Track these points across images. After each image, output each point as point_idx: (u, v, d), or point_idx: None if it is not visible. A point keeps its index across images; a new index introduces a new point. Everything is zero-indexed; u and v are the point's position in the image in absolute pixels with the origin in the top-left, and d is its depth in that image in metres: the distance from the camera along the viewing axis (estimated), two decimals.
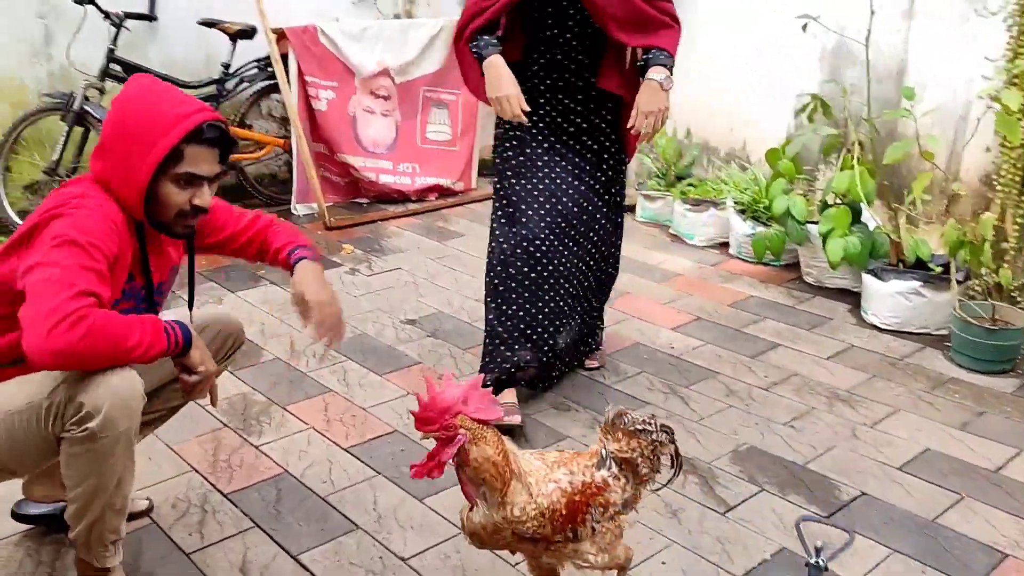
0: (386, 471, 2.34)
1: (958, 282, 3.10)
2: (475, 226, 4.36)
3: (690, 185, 4.33)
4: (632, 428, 1.69)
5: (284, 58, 4.31)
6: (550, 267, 2.58)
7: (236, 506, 2.19)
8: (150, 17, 4.20)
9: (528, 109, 2.44)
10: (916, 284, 3.17)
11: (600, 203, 2.66)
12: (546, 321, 2.59)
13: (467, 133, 4.92)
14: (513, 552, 1.69)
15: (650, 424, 1.69)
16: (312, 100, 4.42)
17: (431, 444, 1.60)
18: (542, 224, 2.54)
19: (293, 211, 4.52)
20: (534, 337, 2.58)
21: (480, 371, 2.64)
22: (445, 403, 1.56)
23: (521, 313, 2.57)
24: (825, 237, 3.38)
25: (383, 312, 3.39)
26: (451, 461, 1.55)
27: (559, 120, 2.56)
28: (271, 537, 2.08)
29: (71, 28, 3.99)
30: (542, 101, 2.55)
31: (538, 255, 2.54)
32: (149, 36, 4.29)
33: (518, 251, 2.54)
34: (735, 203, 3.99)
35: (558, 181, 2.57)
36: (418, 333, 3.22)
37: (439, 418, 1.55)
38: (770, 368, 2.95)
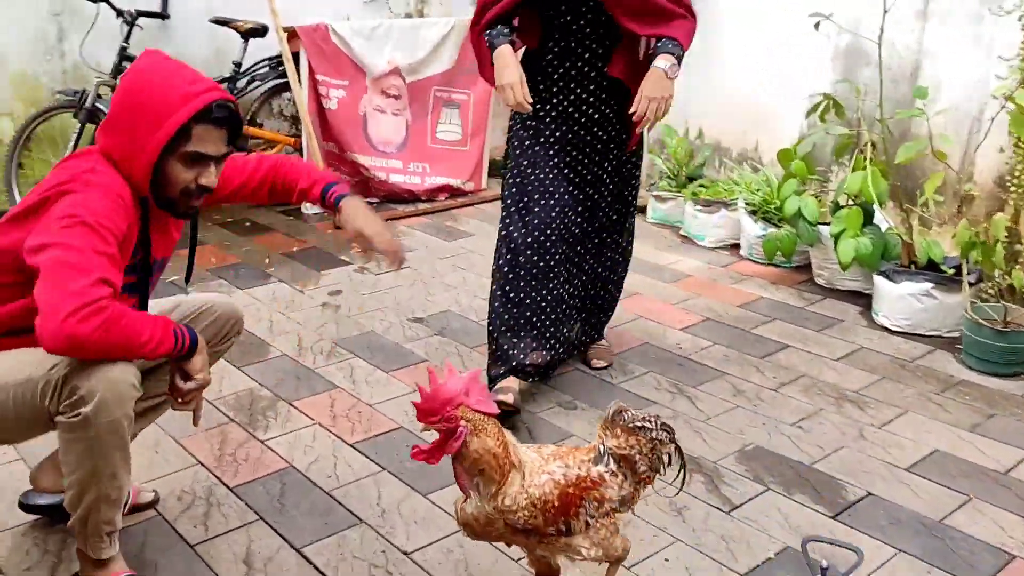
0: (391, 466, 2.34)
1: (970, 284, 3.08)
2: (484, 226, 4.35)
3: (701, 186, 4.31)
4: (631, 425, 1.67)
5: (295, 57, 4.33)
6: (558, 255, 2.61)
7: (241, 499, 2.20)
8: (162, 15, 4.23)
9: (531, 101, 2.47)
10: (928, 286, 3.14)
11: (607, 192, 2.68)
12: (549, 309, 2.63)
13: (478, 133, 4.92)
14: (509, 544, 1.68)
15: (650, 422, 1.68)
16: (323, 99, 4.43)
17: (432, 437, 1.61)
18: (552, 214, 2.58)
19: (304, 210, 4.54)
20: (539, 326, 2.61)
21: (488, 361, 2.67)
22: (447, 395, 1.56)
23: (528, 301, 2.60)
24: (836, 238, 3.36)
25: (391, 310, 3.39)
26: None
27: (571, 110, 2.58)
28: (275, 530, 2.08)
29: (84, 26, 4.02)
30: (555, 90, 2.57)
31: (548, 244, 2.58)
32: (161, 34, 4.32)
33: (528, 239, 2.57)
34: (746, 204, 3.97)
35: (567, 171, 2.60)
36: (425, 331, 3.22)
37: (441, 409, 1.55)
38: (778, 369, 2.93)
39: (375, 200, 4.70)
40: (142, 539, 2.04)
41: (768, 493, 2.23)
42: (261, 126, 4.53)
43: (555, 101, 2.57)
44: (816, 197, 3.71)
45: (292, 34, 4.32)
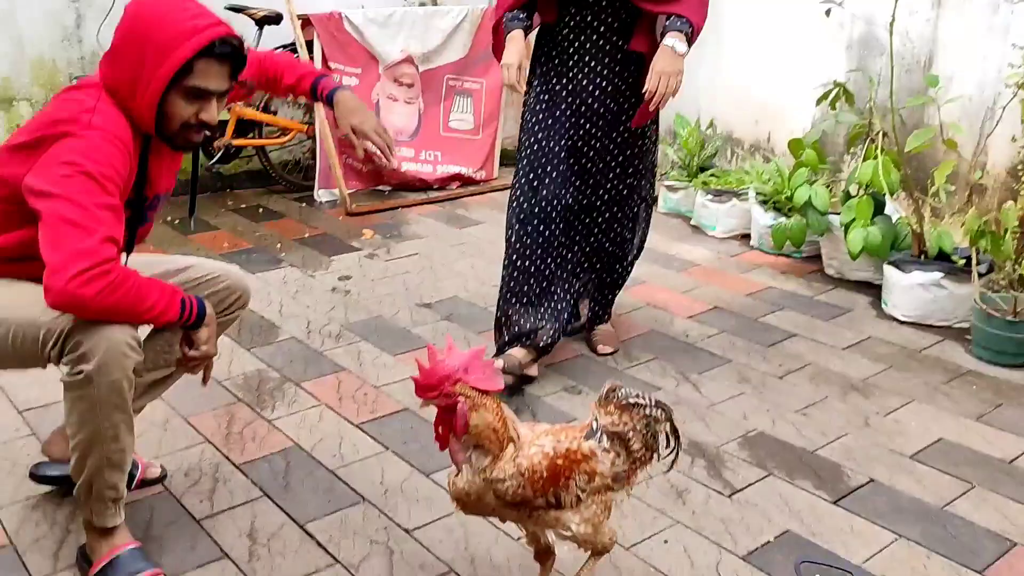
0: (395, 447, 2.37)
1: (981, 274, 3.06)
2: (495, 214, 4.36)
3: (712, 176, 4.30)
4: (625, 402, 1.66)
5: (309, 44, 4.35)
6: (566, 226, 2.69)
7: (246, 476, 2.23)
8: None
9: (523, 88, 2.59)
10: (938, 276, 3.12)
11: (615, 165, 2.71)
12: (556, 278, 2.72)
13: (490, 122, 4.93)
14: (503, 520, 1.69)
15: (643, 399, 1.67)
16: None
17: (431, 413, 1.62)
18: (562, 185, 2.64)
19: (316, 197, 4.57)
20: (545, 295, 2.71)
21: (494, 329, 2.76)
22: (445, 370, 1.57)
23: (533, 270, 2.68)
24: (846, 228, 3.34)
25: (399, 296, 3.41)
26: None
27: (584, 83, 2.62)
28: (279, 506, 2.11)
29: (101, 13, 4.07)
30: (570, 64, 2.62)
31: (554, 215, 2.66)
32: None
33: (536, 210, 2.65)
34: (757, 194, 3.96)
35: (579, 143, 2.65)
36: (433, 316, 3.24)
37: (439, 385, 1.56)
38: (785, 357, 2.92)
39: (387, 188, 4.72)
40: (149, 513, 2.07)
41: (770, 478, 2.24)
42: (275, 113, 4.55)
43: (570, 75, 2.62)
44: (827, 187, 3.69)
45: (306, 22, 4.34)
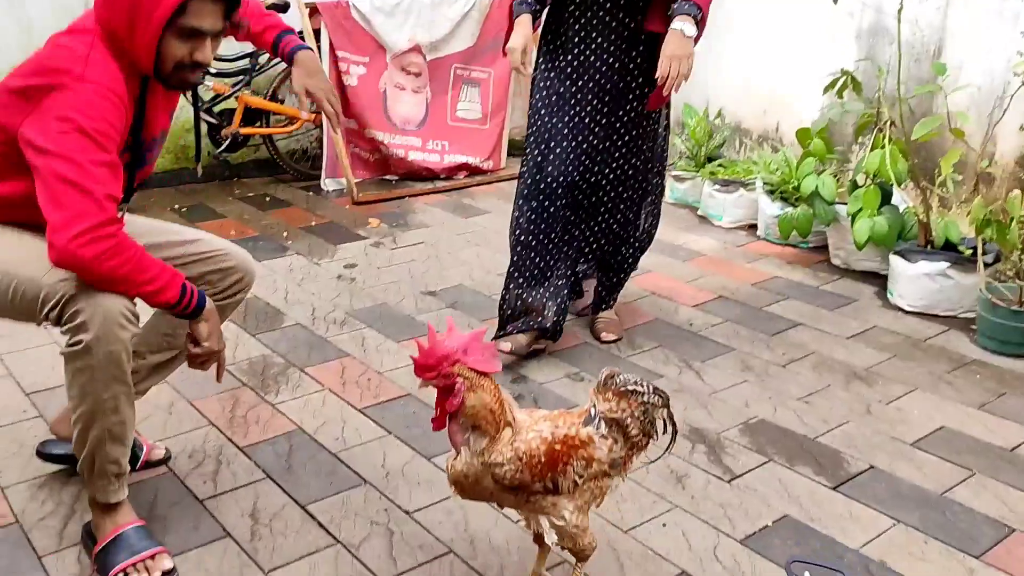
0: (397, 431, 2.38)
1: (988, 264, 3.04)
2: (501, 204, 4.37)
3: (720, 166, 4.29)
4: (623, 389, 1.66)
5: (316, 33, 4.36)
6: (571, 202, 2.74)
7: (250, 458, 2.25)
8: None
9: (528, 72, 2.64)
10: (944, 266, 3.11)
11: (621, 144, 2.73)
12: (560, 253, 2.77)
13: (498, 112, 4.94)
14: (500, 505, 1.70)
15: (641, 386, 1.67)
16: (343, 75, 4.46)
17: (433, 398, 1.63)
18: (567, 161, 2.68)
19: (323, 186, 4.58)
20: (548, 270, 2.77)
21: (499, 304, 2.83)
22: (444, 351, 1.58)
23: (536, 245, 2.73)
24: (853, 217, 3.34)
25: (404, 284, 3.43)
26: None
27: (592, 59, 2.64)
28: (281, 488, 2.13)
29: None
30: (576, 40, 2.64)
31: (560, 191, 2.69)
32: None
33: (542, 186, 2.70)
34: (764, 184, 3.95)
35: (586, 119, 2.68)
36: (437, 304, 3.25)
37: (438, 366, 1.57)
38: (788, 346, 2.92)
39: (394, 177, 4.73)
40: (153, 494, 2.09)
41: (770, 464, 2.24)
42: (282, 102, 4.57)
43: (575, 52, 2.64)
44: (835, 177, 3.68)
45: (313, 10, 4.35)
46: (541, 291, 2.79)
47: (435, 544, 1.93)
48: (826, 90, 3.50)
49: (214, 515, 2.02)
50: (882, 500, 2.08)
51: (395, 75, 4.64)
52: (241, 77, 4.39)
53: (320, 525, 1.99)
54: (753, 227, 4.05)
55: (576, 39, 2.64)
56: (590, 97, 2.66)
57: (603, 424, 1.66)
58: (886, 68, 3.52)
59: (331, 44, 4.39)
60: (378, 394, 2.58)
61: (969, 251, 3.08)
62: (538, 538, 1.78)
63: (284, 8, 4.32)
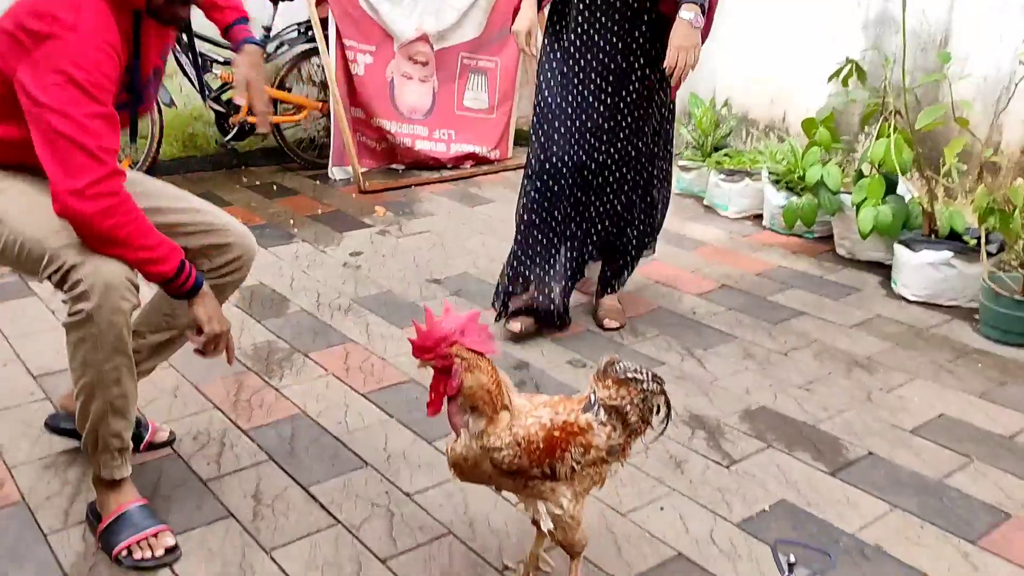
0: (399, 415, 2.40)
1: (992, 254, 3.04)
2: (508, 193, 4.38)
3: (726, 156, 4.29)
4: (623, 376, 1.67)
5: (324, 22, 4.38)
6: (575, 181, 2.76)
7: (253, 441, 2.27)
8: None
9: (534, 52, 2.71)
10: (947, 255, 3.11)
11: (625, 124, 2.75)
12: (562, 230, 2.82)
13: (505, 101, 4.94)
14: (498, 489, 1.72)
15: (641, 373, 1.67)
16: (350, 64, 4.48)
17: (428, 375, 1.64)
18: (572, 140, 2.73)
19: (330, 174, 4.61)
20: (554, 249, 2.83)
21: (505, 281, 2.91)
22: (442, 332, 1.59)
23: (539, 223, 2.80)
24: (858, 207, 3.33)
25: (409, 271, 3.45)
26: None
27: (596, 38, 2.67)
28: (284, 470, 2.15)
29: None
30: (581, 20, 2.67)
31: (564, 170, 2.75)
32: None
33: (547, 165, 2.76)
34: (770, 173, 3.95)
35: (590, 98, 2.72)
36: (442, 292, 3.27)
37: (436, 346, 1.59)
38: (791, 334, 2.93)
39: (401, 167, 4.75)
40: (157, 475, 2.12)
41: (769, 450, 2.25)
42: (290, 90, 4.59)
43: (579, 31, 2.67)
44: (840, 167, 3.68)
45: None
46: (545, 269, 2.84)
47: (435, 525, 1.95)
48: (831, 78, 3.49)
49: (217, 496, 2.05)
50: (880, 486, 2.09)
51: (402, 64, 4.65)
52: None
53: (321, 506, 2.02)
54: (759, 217, 4.05)
55: (580, 19, 2.67)
56: (593, 76, 2.69)
57: (602, 411, 1.66)
58: (892, 58, 3.51)
59: (338, 33, 4.40)
60: (381, 379, 2.61)
61: (973, 241, 3.08)
62: (536, 521, 1.80)
63: None
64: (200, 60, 4.28)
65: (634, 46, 2.67)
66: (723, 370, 2.68)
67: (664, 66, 2.54)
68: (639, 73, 2.69)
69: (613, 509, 2.01)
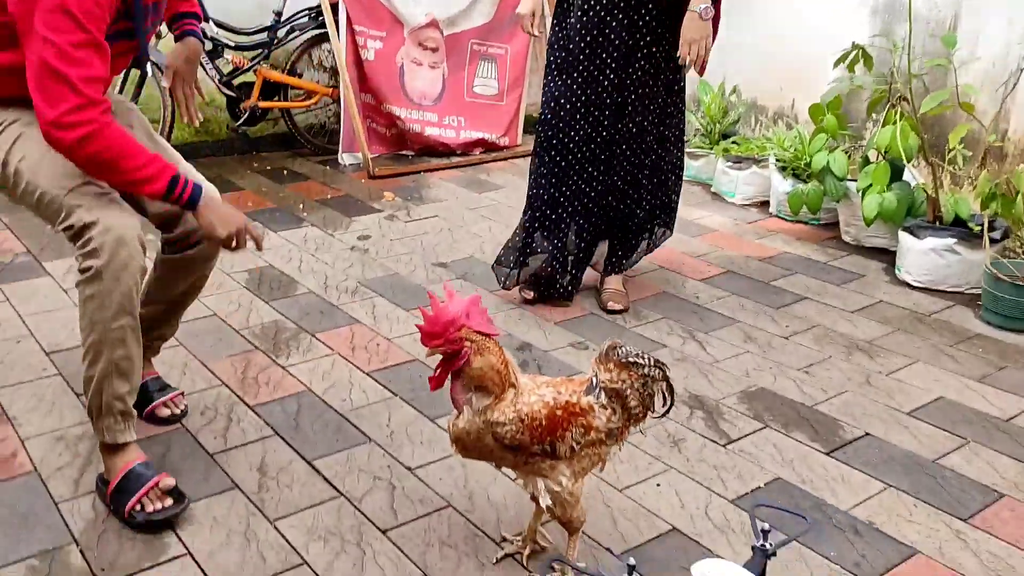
0: (402, 393, 2.45)
1: (996, 240, 3.05)
2: (516, 180, 4.41)
3: (734, 143, 4.30)
4: (624, 360, 1.69)
5: (334, 7, 4.40)
6: (582, 156, 2.85)
7: (259, 416, 2.32)
8: None
9: (537, 33, 2.83)
10: (951, 241, 3.12)
11: (633, 98, 2.81)
12: (568, 204, 2.91)
13: (515, 88, 4.96)
14: (498, 465, 1.75)
15: (642, 358, 1.70)
16: (360, 50, 4.51)
17: (436, 359, 1.66)
18: (580, 115, 2.80)
19: (340, 160, 4.64)
20: (562, 224, 2.93)
21: (506, 250, 3.04)
22: (449, 317, 1.60)
23: (547, 198, 2.90)
24: (863, 193, 3.34)
25: (416, 255, 3.48)
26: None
27: (603, 14, 2.73)
28: (289, 444, 2.20)
29: None
30: None
31: (571, 145, 2.83)
32: None
33: (554, 141, 2.85)
34: (777, 160, 3.96)
35: (597, 75, 2.79)
36: (448, 275, 3.30)
37: (444, 332, 1.60)
38: (792, 319, 2.95)
39: (410, 153, 4.78)
40: (166, 447, 2.17)
41: (766, 430, 2.28)
42: (300, 76, 4.63)
43: (586, 7, 2.73)
44: (847, 154, 3.68)
45: None
46: (554, 243, 2.94)
47: (435, 498, 2.00)
48: (837, 64, 3.49)
49: (224, 468, 2.10)
50: (874, 465, 2.12)
51: (412, 50, 4.68)
52: (260, 51, 4.45)
53: (325, 479, 2.06)
54: (765, 204, 4.06)
55: None
56: (599, 52, 2.75)
57: (603, 394, 1.69)
58: (901, 44, 3.50)
59: (348, 18, 4.43)
60: (386, 359, 2.65)
61: (978, 227, 3.08)
62: (535, 497, 1.83)
63: None
64: (213, 45, 4.33)
65: (640, 23, 2.72)
66: (724, 353, 2.71)
67: (678, 57, 2.66)
68: (645, 51, 2.75)
69: (610, 485, 2.04)
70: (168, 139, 4.24)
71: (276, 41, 4.46)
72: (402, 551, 1.83)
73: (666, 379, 1.74)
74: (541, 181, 2.91)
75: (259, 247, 1.96)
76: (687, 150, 4.44)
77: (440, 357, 1.65)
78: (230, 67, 4.43)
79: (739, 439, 2.24)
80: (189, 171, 2.02)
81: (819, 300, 3.10)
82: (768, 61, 4.36)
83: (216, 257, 2.18)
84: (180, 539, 1.85)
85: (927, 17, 3.58)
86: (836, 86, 3.55)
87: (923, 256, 3.17)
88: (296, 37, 4.54)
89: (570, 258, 2.99)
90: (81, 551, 1.81)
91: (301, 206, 4.03)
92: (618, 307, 2.99)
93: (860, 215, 3.44)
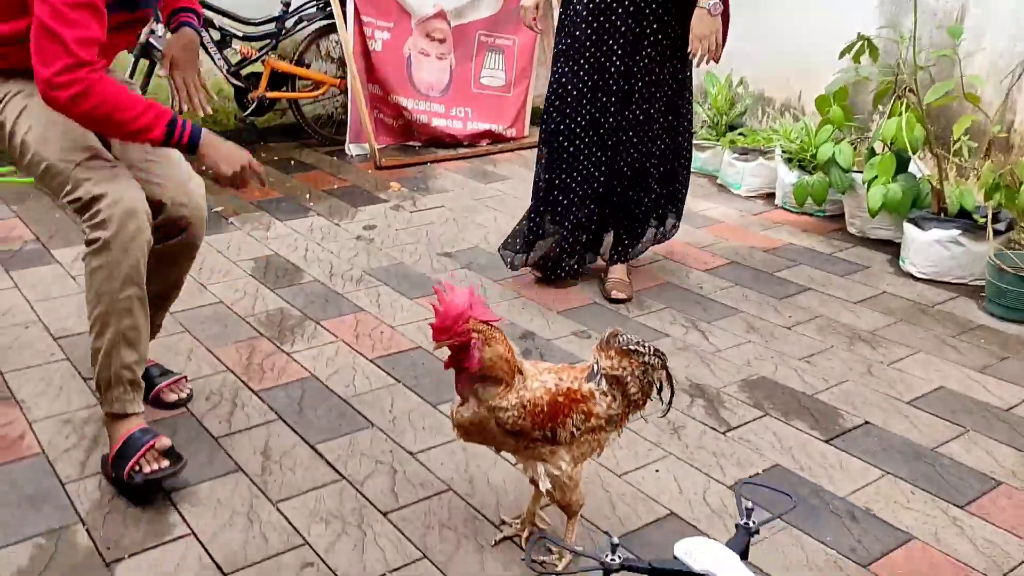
0: (405, 380, 2.47)
1: (1000, 232, 3.04)
2: (522, 171, 4.42)
3: (741, 135, 4.30)
4: (625, 347, 1.71)
5: None
6: (588, 141, 2.88)
7: (264, 401, 2.35)
8: None
9: (538, 28, 2.89)
10: (955, 233, 3.11)
11: (640, 85, 2.85)
12: (576, 187, 2.96)
13: (522, 79, 4.97)
14: (498, 449, 1.77)
15: (643, 346, 1.72)
16: (368, 40, 4.52)
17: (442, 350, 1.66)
18: (586, 100, 2.85)
19: (347, 151, 4.66)
20: (572, 208, 2.97)
21: (513, 238, 3.12)
22: (457, 309, 1.60)
23: (557, 182, 2.94)
24: (868, 185, 3.34)
25: (422, 245, 3.50)
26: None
27: (609, 1, 2.76)
28: (292, 428, 2.23)
29: None
30: None
31: (578, 130, 2.87)
32: None
33: (561, 127, 2.88)
34: (783, 152, 3.96)
35: (604, 61, 2.83)
36: (453, 264, 3.32)
37: (455, 325, 1.60)
38: (795, 309, 2.96)
39: (417, 144, 4.80)
40: (171, 431, 2.19)
41: (766, 418, 2.29)
42: (308, 67, 4.65)
43: None
44: (854, 146, 3.68)
45: None
46: (564, 225, 2.98)
47: (435, 482, 2.02)
48: (842, 54, 3.49)
49: (228, 451, 2.13)
50: (873, 453, 2.13)
51: (419, 41, 4.69)
52: (268, 41, 4.47)
53: (327, 463, 2.09)
54: (771, 196, 4.06)
55: None
56: (606, 38, 2.79)
57: (604, 381, 1.71)
58: (909, 36, 3.49)
59: (356, 9, 4.45)
60: (389, 346, 2.67)
61: (983, 219, 3.08)
62: (534, 480, 1.85)
63: None
64: (221, 35, 4.35)
65: (646, 10, 2.75)
66: (726, 342, 2.72)
67: (689, 53, 2.71)
68: (651, 38, 2.78)
69: (609, 470, 2.06)
70: None
71: (284, 31, 4.48)
72: (402, 533, 1.85)
73: (665, 368, 1.75)
74: (550, 166, 2.95)
75: (262, 184, 1.99)
76: (694, 141, 4.46)
77: (451, 355, 1.65)
78: (238, 57, 4.45)
79: (739, 427, 2.25)
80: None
81: (823, 291, 3.10)
82: (776, 53, 4.35)
83: (197, 247, 2.17)
84: (184, 519, 1.88)
85: (934, 8, 3.57)
86: (841, 76, 3.55)
87: (927, 248, 3.17)
88: (304, 27, 4.56)
89: (578, 246, 3.03)
90: (87, 530, 1.84)
91: (308, 196, 4.05)
92: (622, 296, 3.00)
93: (865, 207, 3.44)
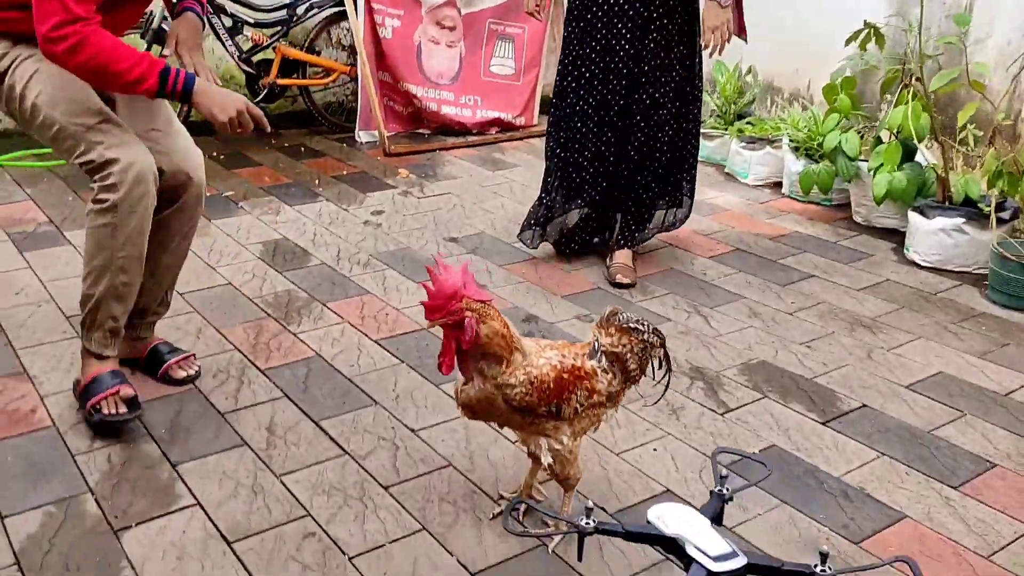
0: (409, 360, 2.50)
1: (1005, 221, 3.04)
2: (531, 159, 4.45)
3: (749, 123, 4.31)
4: (625, 325, 1.76)
5: None
6: (599, 120, 2.96)
7: (269, 379, 2.39)
8: None
9: (540, 17, 2.99)
10: (959, 221, 3.12)
11: (648, 68, 2.91)
12: (588, 165, 3.03)
13: (531, 68, 4.98)
14: (503, 425, 1.80)
15: (642, 324, 1.76)
16: (378, 28, 4.55)
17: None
18: (597, 82, 2.92)
19: (357, 138, 4.70)
20: (577, 181, 3.06)
21: (536, 215, 3.19)
22: (450, 288, 1.63)
23: (571, 161, 3.03)
24: (874, 173, 3.35)
25: (428, 230, 3.53)
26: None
27: None
28: (297, 405, 2.27)
29: None
30: None
31: (589, 111, 2.96)
32: None
33: (574, 109, 2.97)
34: (790, 141, 3.96)
35: (614, 43, 2.90)
36: (459, 249, 3.35)
37: (447, 303, 1.63)
38: (798, 295, 2.97)
39: (427, 131, 4.83)
40: (179, 406, 2.25)
41: (764, 400, 2.31)
42: (319, 54, 4.68)
43: None
44: (860, 135, 3.68)
45: None
46: (575, 202, 3.08)
47: (436, 458, 2.05)
48: (848, 42, 3.49)
49: (233, 427, 2.17)
50: (869, 435, 2.15)
51: (429, 29, 4.71)
52: (279, 28, 4.51)
53: (331, 438, 2.13)
54: (778, 185, 4.07)
55: None
56: (615, 21, 2.85)
57: (604, 358, 1.75)
58: (917, 24, 3.49)
59: None
60: (394, 328, 2.71)
61: (988, 208, 3.08)
62: (532, 454, 1.89)
63: None
64: (232, 22, 4.39)
65: None
66: (727, 327, 2.74)
67: (702, 43, 2.79)
68: (658, 23, 2.84)
69: (607, 448, 2.09)
70: (187, 117, 4.32)
71: (295, 19, 4.52)
72: (403, 506, 1.89)
73: (663, 346, 1.79)
74: (561, 146, 3.02)
75: (262, 127, 2.00)
76: (702, 130, 4.47)
77: (445, 334, 1.68)
78: (249, 44, 4.49)
79: (737, 408, 2.27)
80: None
81: (826, 278, 3.12)
82: (784, 42, 4.35)
83: (195, 219, 2.21)
84: (190, 490, 1.93)
85: None
86: (846, 63, 3.55)
87: (932, 236, 3.18)
88: (315, 15, 4.59)
89: (591, 221, 3.14)
90: (96, 500, 1.89)
91: (317, 182, 4.09)
92: (625, 281, 3.03)
93: (871, 195, 3.44)
